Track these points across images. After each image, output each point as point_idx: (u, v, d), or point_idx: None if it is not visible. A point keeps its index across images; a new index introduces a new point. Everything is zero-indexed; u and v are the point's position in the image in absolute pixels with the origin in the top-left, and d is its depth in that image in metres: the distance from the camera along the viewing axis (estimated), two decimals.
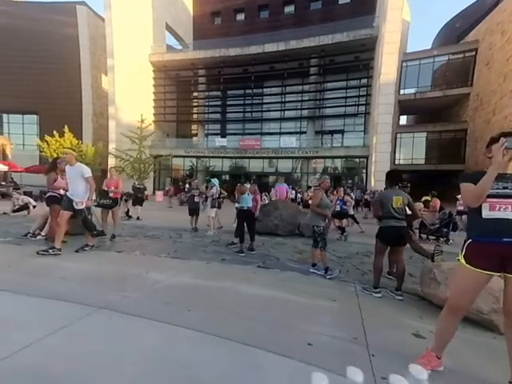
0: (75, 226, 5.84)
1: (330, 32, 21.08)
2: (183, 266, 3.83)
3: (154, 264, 3.88)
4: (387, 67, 17.52)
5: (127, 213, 9.99)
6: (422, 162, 28.23)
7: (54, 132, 16.87)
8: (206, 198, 10.60)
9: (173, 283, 3.05)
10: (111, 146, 22.84)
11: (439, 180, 28.56)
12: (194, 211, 7.26)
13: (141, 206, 9.84)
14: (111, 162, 22.94)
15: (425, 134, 28.49)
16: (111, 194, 5.59)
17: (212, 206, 6.87)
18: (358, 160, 21.76)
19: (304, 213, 6.98)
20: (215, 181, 7.02)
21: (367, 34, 19.48)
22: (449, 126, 27.74)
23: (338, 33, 20.41)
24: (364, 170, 21.25)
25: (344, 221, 6.79)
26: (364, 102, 21.96)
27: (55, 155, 16.68)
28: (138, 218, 9.57)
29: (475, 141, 24.73)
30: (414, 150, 28.47)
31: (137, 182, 10.64)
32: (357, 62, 21.77)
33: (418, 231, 6.54)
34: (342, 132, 24.70)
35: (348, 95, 22.92)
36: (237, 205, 4.87)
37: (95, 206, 5.45)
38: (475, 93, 25.07)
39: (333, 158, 22.59)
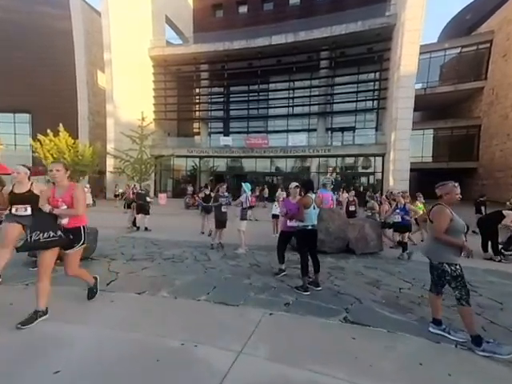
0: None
1: (342, 22, 19.76)
2: (240, 321, 2.58)
3: (195, 318, 2.62)
4: (407, 58, 16.31)
5: (134, 222, 8.71)
6: (433, 159, 27.28)
7: (48, 131, 15.45)
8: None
9: (247, 377, 1.80)
10: (110, 146, 21.42)
11: (450, 179, 27.57)
12: (222, 224, 5.99)
13: (146, 214, 8.53)
14: (110, 162, 21.58)
15: (435, 131, 27.52)
16: (63, 222, 2.60)
17: (242, 218, 5.60)
18: (372, 159, 20.53)
19: (353, 224, 5.74)
20: (247, 186, 5.72)
21: (384, 23, 18.19)
22: (461, 122, 26.73)
23: (352, 22, 19.08)
24: (380, 169, 20.06)
25: (407, 235, 5.56)
26: (380, 97, 20.62)
27: (49, 156, 15.30)
28: (146, 229, 8.32)
29: (490, 137, 23.73)
30: (423, 148, 27.49)
31: (140, 186, 9.27)
32: (371, 53, 20.51)
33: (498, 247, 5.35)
34: (354, 129, 23.46)
35: (362, 89, 21.67)
36: (295, 222, 3.61)
37: (16, 250, 2.91)
38: (490, 87, 24.03)
39: (346, 156, 21.33)
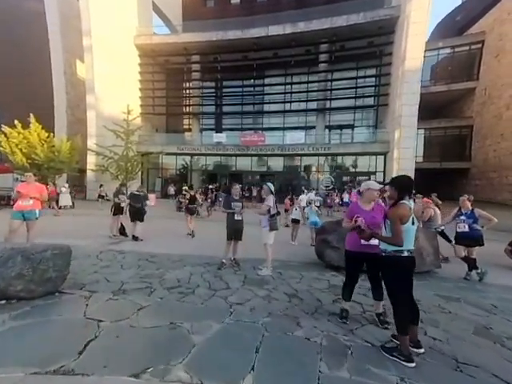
0: (37, 280, 3.09)
1: (342, 13, 18.74)
2: None
3: None
4: (413, 51, 15.51)
5: (122, 230, 7.18)
6: (426, 159, 27.05)
7: (16, 122, 13.39)
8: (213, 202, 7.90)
9: None
10: (91, 142, 19.43)
11: (443, 179, 27.45)
12: (236, 234, 4.67)
13: (141, 221, 7.03)
14: (91, 160, 19.60)
15: (429, 131, 27.32)
16: None
17: (271, 229, 4.29)
18: (374, 157, 19.67)
19: None
20: (271, 187, 4.44)
21: (387, 15, 17.34)
22: (454, 122, 26.60)
23: (353, 13, 18.10)
24: (381, 169, 19.26)
25: (476, 249, 4.40)
26: (382, 93, 19.65)
27: (17, 151, 13.26)
28: (136, 238, 6.82)
29: (483, 137, 23.63)
30: (417, 148, 27.15)
31: (136, 188, 7.64)
32: (372, 47, 19.65)
33: None
34: (352, 127, 22.58)
35: (363, 85, 20.81)
36: (382, 245, 2.36)
37: None
38: (482, 87, 23.93)
39: (347, 155, 20.35)
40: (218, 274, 4.25)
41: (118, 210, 7.43)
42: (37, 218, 5.13)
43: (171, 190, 18.87)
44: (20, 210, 4.95)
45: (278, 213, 4.39)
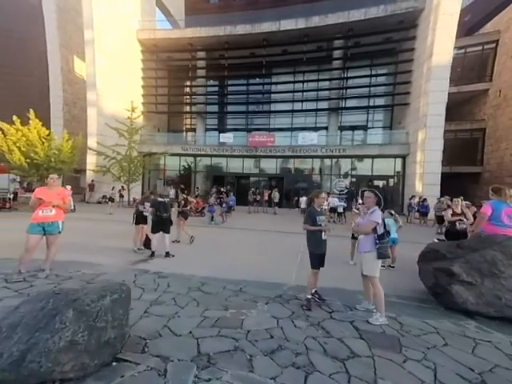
0: (93, 347, 1.85)
1: (357, 7, 17.74)
2: None
3: None
4: (441, 45, 14.63)
5: (146, 244, 5.98)
6: None
7: (14, 118, 12.00)
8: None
9: None
10: (91, 141, 18.05)
11: (453, 183, 26.67)
12: (321, 260, 3.52)
13: (167, 233, 5.79)
14: (91, 160, 18.22)
15: None
16: None
17: (380, 256, 3.15)
18: (392, 160, 18.69)
19: None
20: (379, 195, 3.32)
21: (409, 8, 16.45)
22: (465, 125, 25.86)
23: (373, 7, 17.16)
24: (400, 172, 18.35)
25: None
26: (403, 91, 18.62)
27: (15, 149, 11.85)
28: (167, 255, 5.63)
29: (497, 141, 22.89)
30: None
31: (160, 191, 6.39)
32: (391, 43, 18.76)
33: None
34: (366, 128, 21.60)
35: (380, 83, 19.92)
36: None
37: None
38: (496, 88, 23.22)
39: (363, 157, 19.26)
40: (312, 318, 3.08)
41: (140, 220, 6.28)
42: (60, 232, 4.08)
43: (170, 193, 17.63)
44: (40, 221, 3.87)
45: (388, 233, 3.26)
